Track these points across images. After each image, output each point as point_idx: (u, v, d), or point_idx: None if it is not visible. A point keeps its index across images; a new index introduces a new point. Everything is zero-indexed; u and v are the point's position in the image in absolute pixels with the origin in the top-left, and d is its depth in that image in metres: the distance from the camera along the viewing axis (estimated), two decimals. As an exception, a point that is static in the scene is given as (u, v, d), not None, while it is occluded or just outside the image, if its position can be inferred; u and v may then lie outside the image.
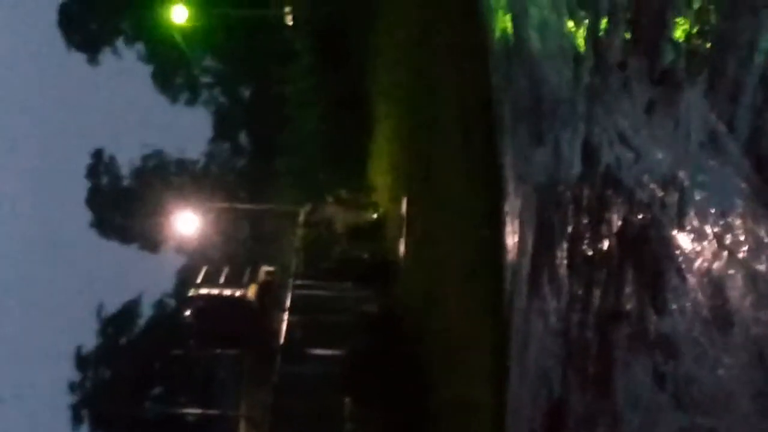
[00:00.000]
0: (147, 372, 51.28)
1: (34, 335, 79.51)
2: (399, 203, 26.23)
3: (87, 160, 57.51)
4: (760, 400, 6.73)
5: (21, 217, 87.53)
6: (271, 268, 33.37)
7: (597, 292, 9.94)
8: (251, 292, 32.23)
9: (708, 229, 7.50)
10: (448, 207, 19.24)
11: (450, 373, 18.08)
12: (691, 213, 7.78)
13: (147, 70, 53.87)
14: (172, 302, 54.26)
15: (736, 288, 7.03)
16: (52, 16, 54.18)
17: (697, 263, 7.61)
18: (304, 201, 34.40)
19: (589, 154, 10.35)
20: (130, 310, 55.27)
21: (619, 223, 9.40)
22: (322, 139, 38.14)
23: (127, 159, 57.70)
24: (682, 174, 7.99)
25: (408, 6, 27.01)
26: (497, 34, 15.22)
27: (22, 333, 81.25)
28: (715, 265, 7.35)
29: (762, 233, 6.83)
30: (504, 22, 14.73)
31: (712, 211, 7.45)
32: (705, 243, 7.53)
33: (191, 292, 34.23)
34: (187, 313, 34.44)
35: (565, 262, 11.08)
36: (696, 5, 8.01)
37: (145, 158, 58.07)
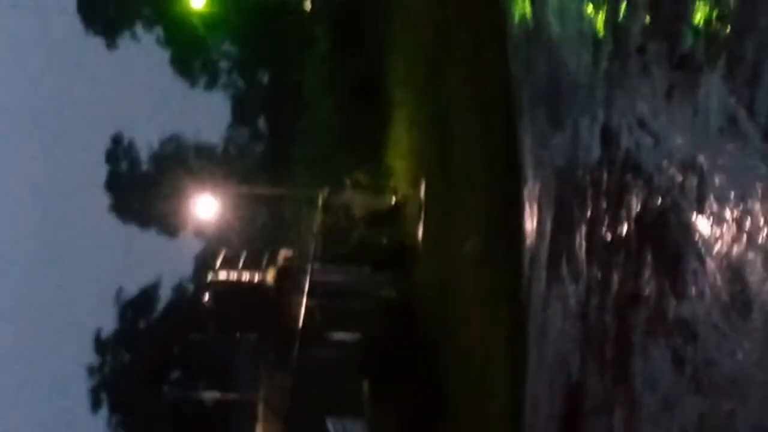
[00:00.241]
0: (165, 356, 51.44)
1: (53, 319, 79.96)
2: (417, 188, 26.24)
3: (106, 144, 57.67)
4: (779, 384, 6.74)
5: (41, 201, 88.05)
6: (289, 253, 33.45)
7: (616, 277, 9.96)
8: (270, 276, 32.36)
9: (727, 214, 7.50)
10: (467, 192, 19.26)
11: (467, 357, 18.13)
12: (711, 197, 7.78)
13: (166, 54, 53.84)
14: (190, 286, 54.37)
15: (756, 272, 7.03)
16: (72, 0, 54.32)
17: (717, 247, 7.62)
18: (322, 186, 34.39)
19: (609, 138, 10.35)
20: (149, 294, 55.42)
21: (638, 207, 9.40)
22: (339, 124, 38.09)
23: (145, 143, 57.82)
24: (701, 158, 7.99)
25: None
26: (516, 18, 15.21)
27: (41, 317, 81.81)
28: (735, 250, 7.35)
29: (781, 217, 6.84)
30: (523, 7, 14.72)
31: (732, 195, 7.45)
32: (724, 227, 7.53)
33: (210, 277, 34.41)
34: (206, 297, 34.65)
35: (584, 246, 11.10)
36: (716, -11, 7.99)
37: (164, 142, 58.17)
